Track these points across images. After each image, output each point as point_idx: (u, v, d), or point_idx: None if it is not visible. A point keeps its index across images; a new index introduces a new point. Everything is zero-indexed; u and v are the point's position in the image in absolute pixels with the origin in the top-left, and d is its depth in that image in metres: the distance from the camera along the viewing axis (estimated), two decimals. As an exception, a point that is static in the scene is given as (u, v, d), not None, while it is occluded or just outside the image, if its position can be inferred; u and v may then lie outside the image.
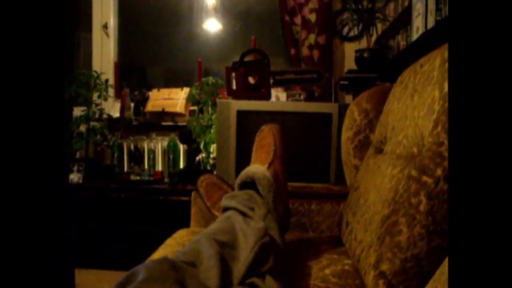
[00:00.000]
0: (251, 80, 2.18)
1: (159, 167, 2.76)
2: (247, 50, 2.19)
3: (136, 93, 3.07)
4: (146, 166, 2.70)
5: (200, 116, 2.72)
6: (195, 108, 2.88)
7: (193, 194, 1.72)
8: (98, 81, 2.59)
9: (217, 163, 2.24)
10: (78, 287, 2.27)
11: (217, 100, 2.22)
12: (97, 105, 2.60)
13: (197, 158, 2.40)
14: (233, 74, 2.23)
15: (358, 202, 1.21)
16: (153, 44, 3.48)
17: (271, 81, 2.17)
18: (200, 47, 3.32)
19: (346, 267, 1.11)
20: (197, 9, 3.35)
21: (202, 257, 0.75)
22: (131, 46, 3.42)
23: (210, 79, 2.59)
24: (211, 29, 3.33)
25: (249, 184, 1.08)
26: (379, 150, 1.31)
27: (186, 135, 2.40)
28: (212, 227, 0.93)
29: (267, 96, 2.15)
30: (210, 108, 2.64)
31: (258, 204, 1.00)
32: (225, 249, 0.80)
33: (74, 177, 2.51)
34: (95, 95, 2.63)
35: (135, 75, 3.42)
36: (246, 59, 2.20)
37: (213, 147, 2.55)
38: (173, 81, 3.43)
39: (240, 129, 2.17)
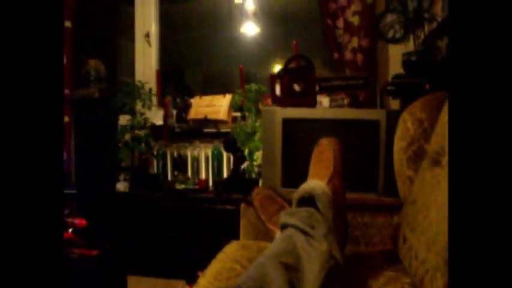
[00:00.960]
0: (296, 87, 2.15)
1: (203, 174, 2.77)
2: (291, 56, 2.16)
3: (178, 100, 3.09)
4: (190, 174, 2.72)
5: (243, 123, 2.72)
6: (237, 114, 2.88)
7: (242, 206, 1.71)
8: (141, 90, 2.62)
9: (263, 172, 2.22)
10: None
11: (262, 108, 2.21)
12: (142, 114, 2.63)
13: (242, 166, 2.39)
14: (277, 81, 2.20)
15: (416, 217, 1.16)
16: (192, 49, 3.53)
17: (317, 88, 2.13)
18: (239, 51, 3.34)
19: (406, 286, 1.07)
20: (236, 14, 3.35)
21: (270, 282, 0.74)
22: (171, 51, 3.47)
23: (253, 86, 2.58)
24: (250, 32, 3.33)
25: (307, 200, 1.05)
26: (436, 162, 1.25)
27: (231, 143, 2.39)
28: (274, 248, 0.91)
29: (313, 104, 2.12)
30: (253, 115, 2.64)
31: (319, 222, 0.97)
32: (291, 273, 0.78)
33: (121, 186, 2.55)
34: (139, 104, 2.66)
35: (174, 79, 3.46)
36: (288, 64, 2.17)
37: (257, 155, 2.53)
38: (212, 85, 3.49)
39: (285, 137, 2.14)
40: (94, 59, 2.64)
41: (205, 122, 2.86)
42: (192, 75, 3.71)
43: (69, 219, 1.64)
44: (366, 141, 2.07)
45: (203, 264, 2.29)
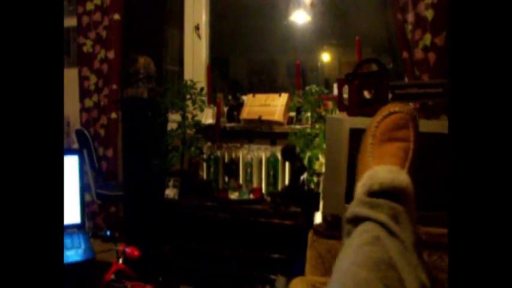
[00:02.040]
0: (366, 94, 1.92)
1: (256, 180, 2.58)
2: (363, 59, 1.93)
3: (230, 97, 2.91)
4: (242, 180, 2.54)
5: (300, 125, 2.51)
6: (292, 114, 2.67)
7: (310, 234, 1.51)
8: (192, 90, 2.44)
9: (325, 185, 2.02)
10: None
11: (327, 116, 1.99)
12: (193, 116, 2.46)
13: (302, 177, 2.19)
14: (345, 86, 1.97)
15: None
16: (237, 37, 3.44)
17: (390, 95, 1.89)
18: (286, 39, 3.21)
19: None
20: (289, 2, 3.17)
21: None
22: (217, 40, 3.32)
23: (314, 87, 2.35)
24: (300, 21, 3.16)
25: (379, 194, 0.77)
26: None
27: (290, 152, 2.19)
28: (366, 254, 0.68)
29: (385, 113, 1.88)
30: (310, 118, 2.42)
31: (405, 225, 0.72)
32: None
33: (170, 192, 2.40)
34: (189, 103, 2.48)
35: (218, 66, 3.31)
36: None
37: (317, 164, 2.33)
38: (257, 74, 3.45)
39: (353, 149, 1.93)
40: (143, 55, 2.46)
41: (259, 122, 2.67)
42: (236, 64, 3.58)
43: (120, 246, 1.49)
44: (445, 156, 1.83)
45: (255, 282, 2.11)
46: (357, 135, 1.94)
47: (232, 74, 3.62)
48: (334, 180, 1.98)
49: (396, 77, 2.70)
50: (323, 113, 2.31)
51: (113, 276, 1.44)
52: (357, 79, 1.93)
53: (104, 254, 2.38)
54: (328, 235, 1.50)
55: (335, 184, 1.99)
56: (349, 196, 1.99)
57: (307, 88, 2.37)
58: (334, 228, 1.59)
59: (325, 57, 3.25)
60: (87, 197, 3.01)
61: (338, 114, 2.06)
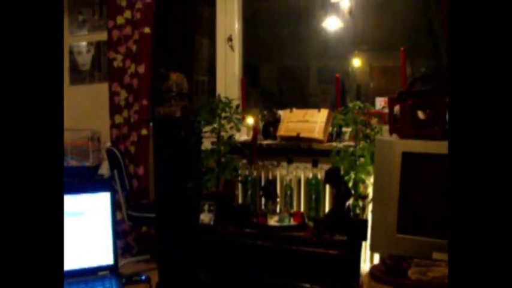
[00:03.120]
0: (421, 114, 1.74)
1: (296, 203, 2.42)
2: (416, 77, 1.76)
3: (265, 112, 2.76)
4: (280, 204, 2.38)
5: (341, 143, 2.35)
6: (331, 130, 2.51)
7: (366, 278, 1.35)
8: (227, 108, 2.30)
9: (374, 212, 1.85)
10: None
11: (377, 138, 1.82)
12: (230, 137, 2.31)
13: (347, 203, 2.02)
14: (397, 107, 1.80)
15: None
16: (266, 43, 3.35)
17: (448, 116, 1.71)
18: (317, 45, 3.13)
19: None
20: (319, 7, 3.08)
21: None
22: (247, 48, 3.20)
23: (358, 104, 2.18)
24: (332, 27, 3.06)
25: None
26: None
27: (334, 175, 2.02)
28: None
29: (442, 136, 1.70)
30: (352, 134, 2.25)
31: None
32: None
33: (205, 217, 2.26)
34: (224, 122, 2.34)
35: (248, 74, 3.19)
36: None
37: (362, 188, 2.15)
38: (287, 81, 3.40)
39: (405, 174, 1.76)
40: (176, 71, 2.34)
41: (298, 139, 2.51)
42: (265, 70, 3.47)
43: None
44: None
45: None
46: (410, 160, 1.78)
47: (262, 81, 3.50)
48: (384, 207, 1.82)
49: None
50: (368, 131, 2.13)
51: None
52: (410, 98, 1.76)
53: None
54: (387, 281, 1.34)
55: (385, 212, 1.82)
56: (401, 224, 1.82)
57: (350, 105, 2.19)
58: (394, 273, 1.42)
59: (356, 62, 3.11)
60: (118, 215, 2.91)
61: (388, 136, 1.89)
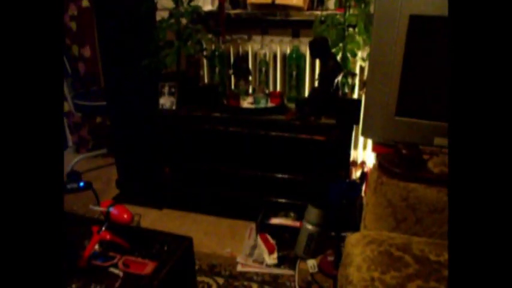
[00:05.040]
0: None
1: (272, 83, 2.07)
2: None
3: (233, -25, 2.28)
4: (252, 83, 2.02)
5: (324, 11, 1.94)
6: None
7: (374, 171, 1.06)
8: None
9: (369, 90, 1.53)
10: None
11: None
12: (190, 0, 1.86)
13: (336, 80, 1.67)
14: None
15: None
16: None
17: None
18: None
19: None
20: None
21: None
22: None
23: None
24: None
25: None
26: None
27: (321, 46, 1.65)
28: None
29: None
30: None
31: None
32: None
33: (165, 101, 1.89)
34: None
35: None
36: None
37: (352, 62, 1.80)
38: None
39: (411, 42, 1.42)
40: None
41: (273, 7, 2.09)
42: None
43: (102, 205, 1.01)
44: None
45: (276, 209, 1.68)
46: (419, 24, 1.43)
47: None
48: (381, 85, 1.50)
49: None
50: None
51: (96, 248, 0.99)
52: None
53: (80, 206, 1.93)
54: (404, 175, 1.04)
55: (383, 90, 1.51)
56: (401, 106, 1.52)
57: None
58: (412, 166, 1.11)
59: None
60: (65, 107, 2.50)
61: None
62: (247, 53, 2.13)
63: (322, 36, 1.69)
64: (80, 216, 1.59)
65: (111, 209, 1.00)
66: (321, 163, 1.72)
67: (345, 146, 1.69)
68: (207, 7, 2.25)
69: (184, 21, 1.91)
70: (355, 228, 1.60)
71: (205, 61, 2.16)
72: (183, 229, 1.87)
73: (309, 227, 1.64)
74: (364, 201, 1.11)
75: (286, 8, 2.09)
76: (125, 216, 0.98)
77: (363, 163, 2.05)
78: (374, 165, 1.05)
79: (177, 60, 1.90)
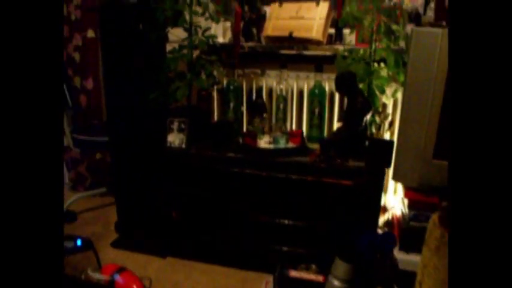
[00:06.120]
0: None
1: (289, 120, 1.91)
2: None
3: (246, 9, 2.16)
4: (267, 120, 1.86)
5: (349, 47, 1.81)
6: (331, 31, 1.97)
7: (433, 224, 0.89)
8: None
9: (402, 132, 1.40)
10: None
11: (415, 30, 1.31)
12: (204, 30, 1.73)
13: (365, 118, 1.52)
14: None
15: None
16: None
17: None
18: None
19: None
20: None
21: None
22: None
23: (378, -13, 1.62)
24: None
25: None
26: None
27: (348, 80, 1.51)
28: None
29: None
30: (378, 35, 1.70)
31: None
32: None
33: (174, 139, 1.73)
34: (198, 9, 1.74)
35: None
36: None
37: (379, 99, 1.66)
38: None
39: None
40: None
41: (290, 41, 1.96)
42: None
43: (104, 271, 0.83)
44: None
45: (295, 260, 1.52)
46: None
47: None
48: (418, 124, 1.36)
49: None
50: (394, 27, 1.60)
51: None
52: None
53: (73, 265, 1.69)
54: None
55: (419, 130, 1.37)
56: (439, 147, 1.39)
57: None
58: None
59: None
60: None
61: (430, 28, 1.37)
62: (261, 88, 1.99)
63: (349, 70, 1.55)
64: (76, 282, 1.35)
65: (117, 277, 0.82)
66: (348, 210, 1.54)
67: (376, 192, 1.52)
68: (219, 39, 2.12)
69: (196, 52, 1.78)
70: (388, 286, 1.42)
71: (215, 96, 2.02)
72: (190, 282, 1.67)
73: (336, 283, 1.45)
74: (420, 262, 0.93)
75: (304, 41, 1.96)
76: (134, 287, 0.80)
77: (389, 209, 1.88)
78: (434, 220, 0.88)
79: (189, 94, 1.75)
